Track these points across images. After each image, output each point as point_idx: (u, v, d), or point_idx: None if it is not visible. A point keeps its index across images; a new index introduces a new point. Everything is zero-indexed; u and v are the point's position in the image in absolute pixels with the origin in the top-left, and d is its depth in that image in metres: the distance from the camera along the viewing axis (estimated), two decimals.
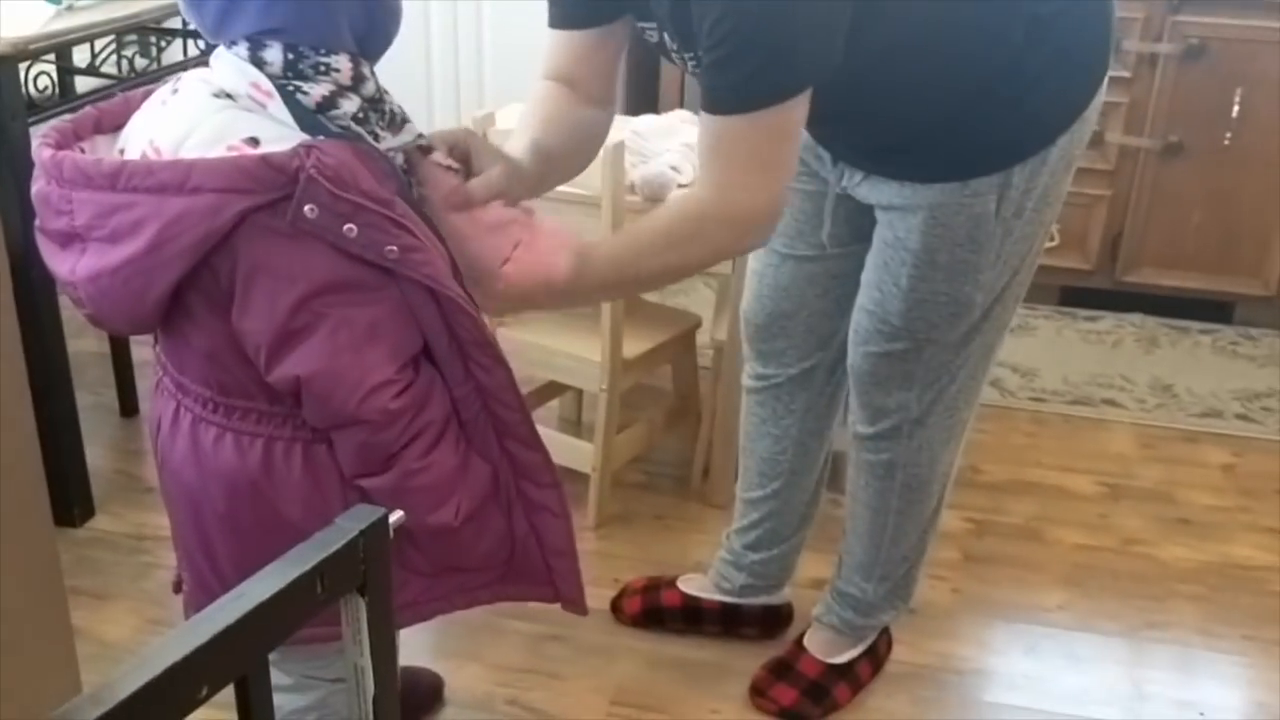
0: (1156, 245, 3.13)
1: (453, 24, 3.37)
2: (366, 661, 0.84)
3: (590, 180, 2.00)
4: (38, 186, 1.10)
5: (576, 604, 1.31)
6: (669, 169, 2.12)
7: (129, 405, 2.60)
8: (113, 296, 1.08)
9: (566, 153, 1.47)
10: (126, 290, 1.07)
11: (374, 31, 1.14)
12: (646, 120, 2.35)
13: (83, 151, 1.13)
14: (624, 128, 2.25)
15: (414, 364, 1.12)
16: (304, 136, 1.06)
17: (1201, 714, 1.89)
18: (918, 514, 1.79)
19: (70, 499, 2.20)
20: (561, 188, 2.06)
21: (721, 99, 1.27)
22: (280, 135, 1.06)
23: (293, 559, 0.77)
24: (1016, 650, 2.03)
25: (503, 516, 1.22)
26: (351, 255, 1.05)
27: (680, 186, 2.22)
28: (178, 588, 1.31)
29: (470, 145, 1.28)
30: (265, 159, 1.02)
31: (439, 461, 1.13)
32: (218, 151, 1.05)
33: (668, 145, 2.19)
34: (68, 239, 1.09)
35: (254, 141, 1.06)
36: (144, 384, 2.62)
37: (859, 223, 1.63)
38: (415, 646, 1.89)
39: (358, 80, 1.12)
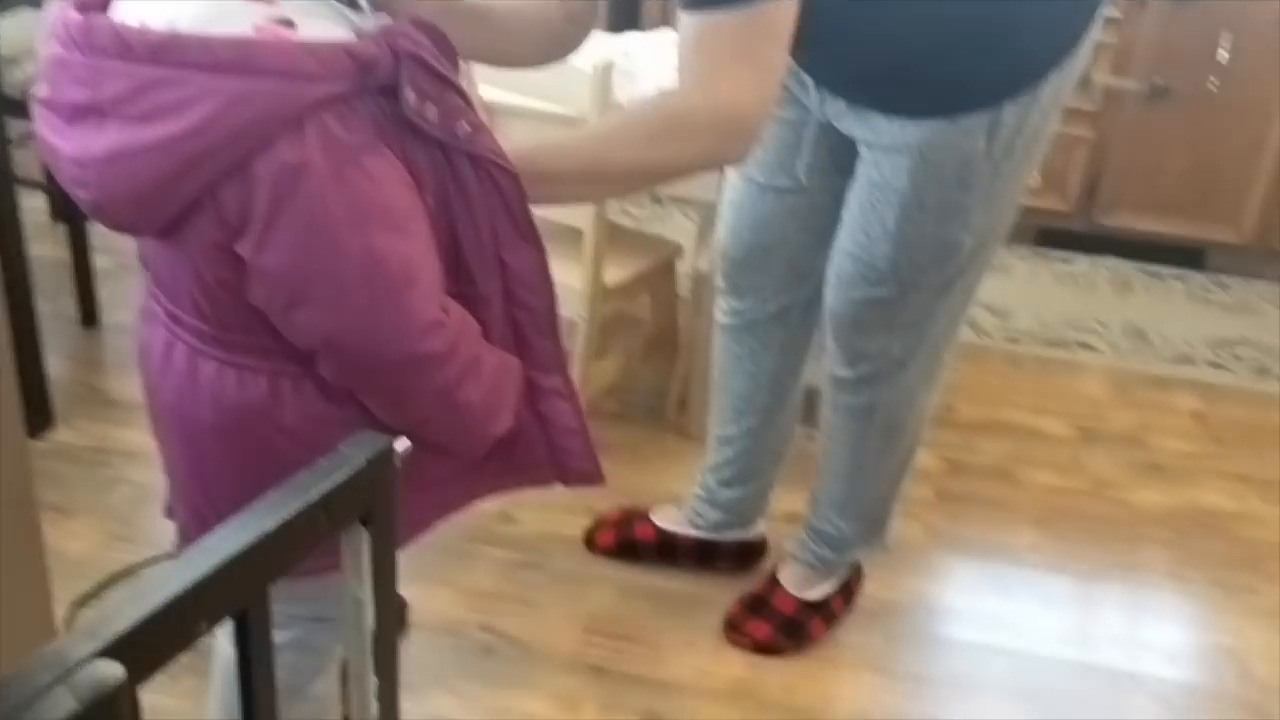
0: (1135, 189, 3.11)
1: None
2: (367, 594, 0.80)
3: (577, 100, 1.95)
4: (53, 52, 0.96)
5: (594, 476, 1.25)
6: (659, 91, 2.05)
7: (90, 315, 2.52)
8: (131, 182, 0.95)
9: (510, 28, 1.37)
10: (152, 175, 0.94)
11: None
12: (635, 40, 2.28)
13: None
14: (611, 47, 2.18)
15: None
16: (336, 25, 0.98)
17: (1168, 657, 1.91)
18: (895, 454, 1.77)
19: (28, 409, 2.13)
20: (545, 106, 2.01)
21: None
22: (312, 18, 0.97)
23: (296, 488, 0.73)
24: (988, 589, 2.04)
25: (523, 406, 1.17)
26: (409, 163, 0.98)
27: None
28: (170, 513, 1.26)
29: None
30: (346, 48, 0.94)
31: (488, 378, 1.08)
32: (239, 31, 0.93)
33: (658, 65, 2.13)
34: (83, 113, 0.95)
35: (288, 23, 0.95)
36: (105, 292, 2.55)
37: (841, 156, 1.58)
38: None
39: None
